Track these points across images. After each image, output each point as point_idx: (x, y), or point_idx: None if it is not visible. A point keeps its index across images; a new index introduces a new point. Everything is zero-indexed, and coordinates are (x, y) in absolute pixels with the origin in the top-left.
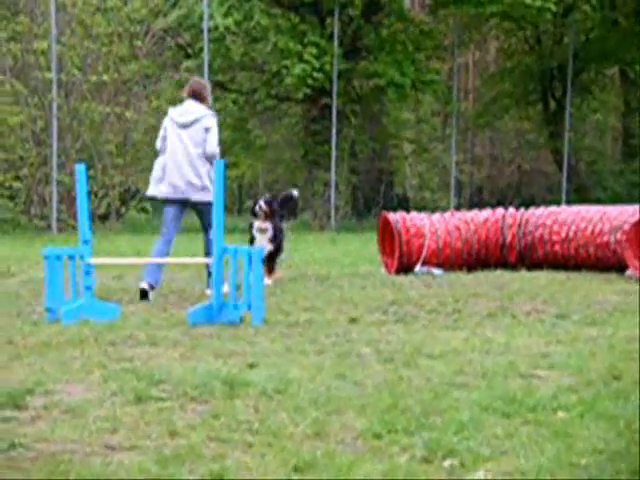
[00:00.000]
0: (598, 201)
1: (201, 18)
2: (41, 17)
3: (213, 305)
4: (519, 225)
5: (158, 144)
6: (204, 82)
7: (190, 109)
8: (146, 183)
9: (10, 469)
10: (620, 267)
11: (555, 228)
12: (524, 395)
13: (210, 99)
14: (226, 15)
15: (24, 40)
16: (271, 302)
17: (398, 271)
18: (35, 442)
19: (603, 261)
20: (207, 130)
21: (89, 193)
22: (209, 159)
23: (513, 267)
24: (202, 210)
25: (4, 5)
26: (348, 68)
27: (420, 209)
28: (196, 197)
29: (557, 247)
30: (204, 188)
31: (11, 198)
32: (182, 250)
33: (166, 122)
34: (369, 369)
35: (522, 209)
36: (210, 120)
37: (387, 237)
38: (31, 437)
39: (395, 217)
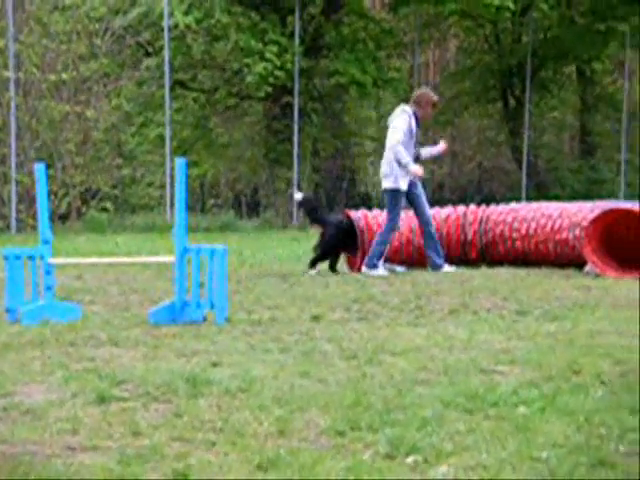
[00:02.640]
0: (557, 198)
1: (161, 16)
2: None
3: (175, 304)
4: (480, 222)
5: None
6: (425, 92)
7: (396, 111)
8: (107, 182)
9: None
10: (579, 263)
11: (515, 225)
12: (486, 391)
13: (423, 105)
14: (186, 13)
15: None
16: (234, 301)
17: (361, 269)
18: None
19: (563, 257)
20: (392, 127)
21: (49, 192)
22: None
23: (474, 264)
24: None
25: None
26: (309, 66)
27: (383, 207)
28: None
29: (518, 243)
30: (386, 175)
31: None
32: (144, 249)
33: None
34: (332, 366)
35: (483, 206)
36: (396, 118)
37: None
38: None
39: (357, 215)
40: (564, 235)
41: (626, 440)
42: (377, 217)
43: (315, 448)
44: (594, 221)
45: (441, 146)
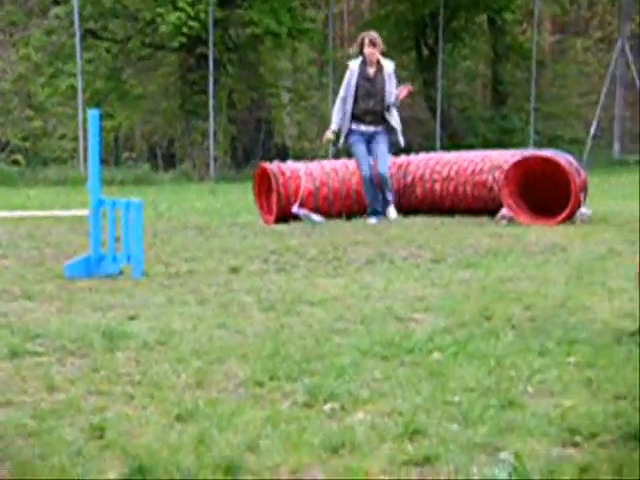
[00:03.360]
0: (470, 147)
1: None
2: None
3: (91, 258)
4: (400, 166)
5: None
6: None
7: None
8: (17, 135)
9: None
10: (493, 208)
11: (437, 168)
12: (401, 338)
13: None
14: None
15: None
16: (151, 254)
17: (277, 219)
18: None
19: (479, 200)
20: None
21: None
22: None
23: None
24: None
25: None
26: (224, 16)
27: (300, 158)
28: None
29: (437, 186)
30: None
31: None
32: (57, 202)
33: None
34: (251, 318)
35: (402, 155)
36: None
37: (264, 188)
38: None
39: (271, 165)
40: (483, 177)
41: (534, 381)
42: (290, 165)
43: (234, 399)
44: (515, 165)
45: (401, 90)
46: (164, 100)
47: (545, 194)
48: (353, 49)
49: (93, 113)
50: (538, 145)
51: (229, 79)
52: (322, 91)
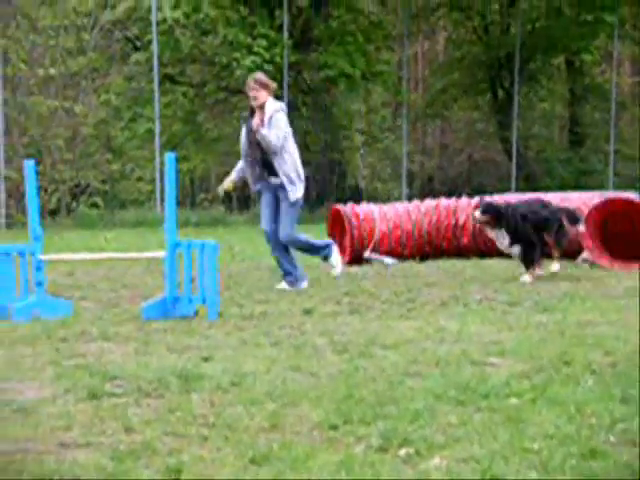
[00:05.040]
0: (547, 189)
1: (149, 10)
2: None
3: (167, 299)
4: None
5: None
6: None
7: None
8: (96, 178)
9: None
10: (574, 250)
11: None
12: (477, 382)
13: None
14: (175, 7)
15: None
16: (226, 295)
17: (351, 261)
18: None
19: None
20: None
21: (38, 188)
22: None
23: (466, 249)
24: None
25: None
26: (298, 60)
27: (373, 200)
28: None
29: None
30: None
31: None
32: (134, 244)
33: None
34: (324, 360)
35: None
36: None
37: (337, 230)
38: None
39: (345, 207)
40: None
41: (616, 430)
42: (363, 207)
43: (308, 442)
44: (596, 207)
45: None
46: (239, 143)
47: (627, 237)
48: None
49: (170, 156)
50: (618, 187)
51: (303, 121)
52: (396, 133)
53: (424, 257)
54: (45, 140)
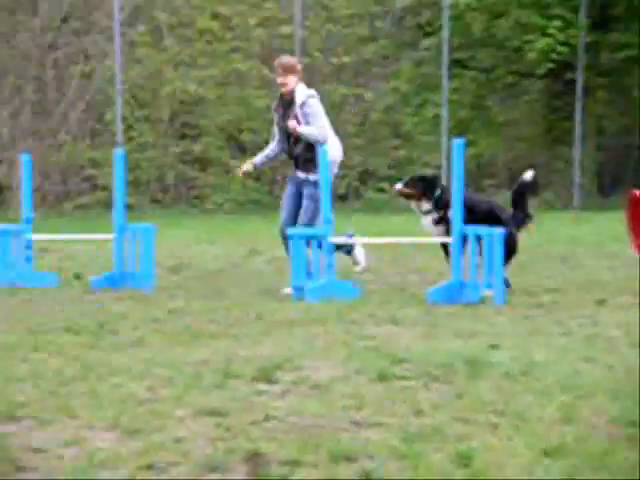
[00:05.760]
0: None
1: None
2: (286, 2)
3: (453, 284)
4: None
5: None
6: None
7: None
8: (383, 163)
9: (266, 439)
10: None
11: None
12: None
13: None
14: None
15: (271, 26)
16: (513, 282)
17: None
18: (287, 415)
19: None
20: None
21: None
22: None
23: None
24: None
25: None
26: (596, 40)
27: None
28: None
29: None
30: None
31: (257, 179)
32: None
33: None
34: (619, 353)
35: None
36: None
37: (637, 216)
38: (283, 410)
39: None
40: None
41: None
42: None
43: (604, 437)
44: None
45: None
46: (527, 127)
47: None
48: None
49: (458, 142)
50: None
51: (598, 105)
52: None
53: None
54: (336, 126)
